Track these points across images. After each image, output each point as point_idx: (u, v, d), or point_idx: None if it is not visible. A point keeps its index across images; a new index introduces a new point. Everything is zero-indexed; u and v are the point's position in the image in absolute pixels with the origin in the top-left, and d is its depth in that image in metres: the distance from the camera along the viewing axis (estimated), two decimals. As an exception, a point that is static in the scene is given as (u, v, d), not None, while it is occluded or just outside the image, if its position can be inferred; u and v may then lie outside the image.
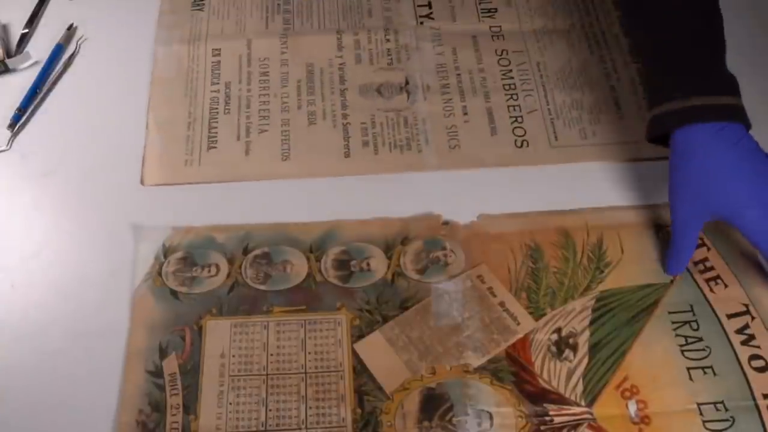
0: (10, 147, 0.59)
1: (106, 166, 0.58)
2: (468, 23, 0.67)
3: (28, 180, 0.57)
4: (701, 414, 0.46)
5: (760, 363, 0.48)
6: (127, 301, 0.50)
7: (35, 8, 0.67)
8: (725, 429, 0.46)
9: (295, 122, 0.60)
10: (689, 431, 0.46)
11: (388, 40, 0.65)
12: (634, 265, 0.52)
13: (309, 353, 0.49)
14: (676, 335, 0.49)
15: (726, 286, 0.51)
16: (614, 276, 0.52)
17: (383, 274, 0.52)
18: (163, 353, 0.48)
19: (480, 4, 0.68)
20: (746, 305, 0.51)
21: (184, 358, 0.48)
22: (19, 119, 0.59)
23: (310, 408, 0.47)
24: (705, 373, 0.48)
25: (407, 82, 0.62)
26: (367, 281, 0.51)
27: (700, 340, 0.49)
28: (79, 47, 0.65)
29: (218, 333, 0.49)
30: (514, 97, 0.62)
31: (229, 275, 0.51)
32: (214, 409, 0.46)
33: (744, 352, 0.48)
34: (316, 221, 0.54)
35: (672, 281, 0.52)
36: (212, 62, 0.64)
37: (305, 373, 0.48)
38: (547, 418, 0.46)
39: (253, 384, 0.47)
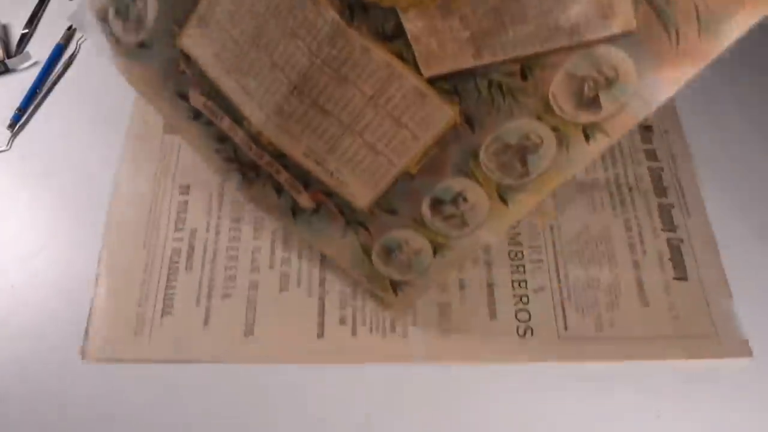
0: (10, 147, 0.58)
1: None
2: None
3: (27, 180, 0.57)
4: None
5: None
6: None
7: (35, 8, 0.67)
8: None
9: (264, 286, 0.50)
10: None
11: None
12: None
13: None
14: None
15: None
16: None
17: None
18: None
19: None
20: None
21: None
22: (19, 119, 0.59)
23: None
24: None
25: None
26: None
27: None
28: (79, 47, 0.64)
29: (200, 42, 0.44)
30: (521, 269, 0.51)
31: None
32: (247, 97, 0.44)
33: None
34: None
35: None
36: (179, 202, 0.54)
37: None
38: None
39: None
